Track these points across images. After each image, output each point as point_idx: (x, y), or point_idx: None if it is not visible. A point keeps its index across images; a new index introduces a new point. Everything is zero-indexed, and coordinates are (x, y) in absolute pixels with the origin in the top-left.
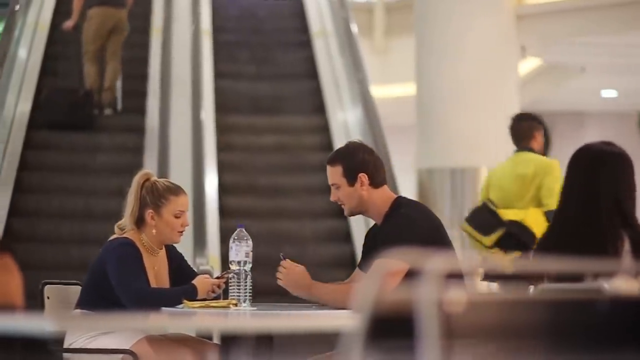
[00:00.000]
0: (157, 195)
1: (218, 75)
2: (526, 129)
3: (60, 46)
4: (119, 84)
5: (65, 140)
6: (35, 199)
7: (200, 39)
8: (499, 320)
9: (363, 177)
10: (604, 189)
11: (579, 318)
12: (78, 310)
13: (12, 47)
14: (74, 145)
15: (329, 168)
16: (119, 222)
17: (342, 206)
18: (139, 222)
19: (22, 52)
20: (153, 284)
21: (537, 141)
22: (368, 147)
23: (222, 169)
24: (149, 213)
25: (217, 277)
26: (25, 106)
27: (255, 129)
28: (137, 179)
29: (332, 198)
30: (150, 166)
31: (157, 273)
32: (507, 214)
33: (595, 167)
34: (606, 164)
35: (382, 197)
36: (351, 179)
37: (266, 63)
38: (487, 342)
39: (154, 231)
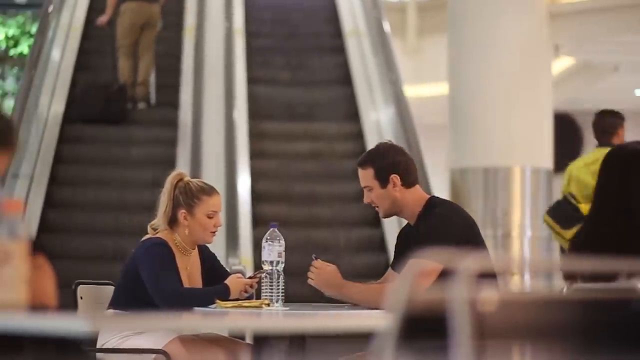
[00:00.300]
0: (190, 196)
1: (251, 80)
2: (609, 125)
3: (94, 42)
4: (152, 78)
5: (99, 133)
6: (71, 191)
7: (233, 38)
8: (531, 320)
9: (395, 178)
10: (635, 189)
11: (612, 318)
12: (111, 310)
13: (46, 46)
14: (108, 139)
15: (360, 171)
16: (152, 222)
17: (377, 208)
18: (172, 222)
19: (55, 50)
20: (186, 284)
21: (619, 137)
22: (399, 148)
23: (255, 176)
24: (181, 213)
25: (250, 277)
26: (59, 102)
27: (289, 135)
28: (170, 179)
29: (366, 200)
30: (183, 159)
31: (190, 273)
32: (588, 209)
33: (628, 166)
34: (625, 162)
35: (414, 197)
36: (383, 180)
37: (301, 68)
38: (520, 341)
39: (186, 231)
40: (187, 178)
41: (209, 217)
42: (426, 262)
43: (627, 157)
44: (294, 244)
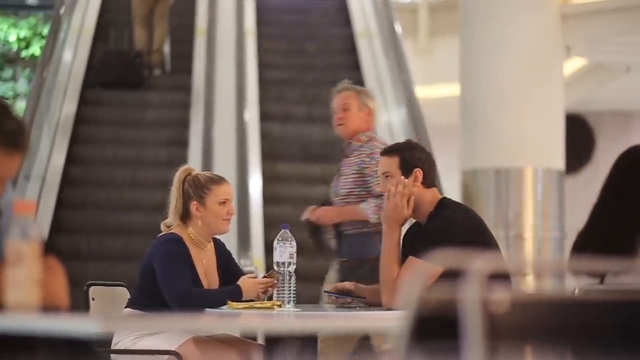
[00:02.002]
0: (199, 187)
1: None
2: None
3: (112, 14)
4: (167, 47)
5: (117, 97)
6: (91, 149)
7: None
8: (543, 321)
9: (418, 172)
10: (635, 191)
11: (624, 319)
12: (128, 309)
13: (58, 47)
14: (125, 102)
15: (384, 158)
16: (165, 221)
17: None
18: (184, 216)
19: (67, 52)
20: (202, 277)
21: None
22: (426, 149)
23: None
24: (193, 205)
25: (264, 277)
26: (79, 66)
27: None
28: (178, 175)
29: (381, 189)
30: (196, 120)
31: (206, 267)
32: None
33: (631, 166)
34: None
35: (430, 198)
36: (406, 171)
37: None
38: (531, 342)
39: (200, 222)
40: (195, 172)
41: (221, 205)
42: (426, 263)
43: (633, 157)
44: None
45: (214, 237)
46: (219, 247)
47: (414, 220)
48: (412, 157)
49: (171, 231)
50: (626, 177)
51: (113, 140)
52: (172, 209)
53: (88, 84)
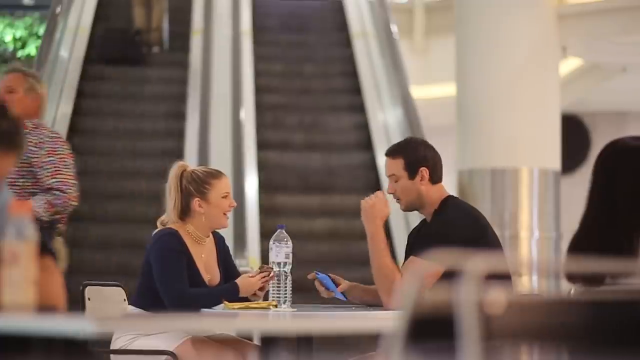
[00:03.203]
0: (200, 183)
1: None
2: None
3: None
4: (165, 25)
5: (118, 73)
6: (92, 120)
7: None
8: (540, 321)
9: (424, 171)
10: (621, 184)
11: (620, 319)
12: (130, 307)
13: (53, 47)
14: (125, 77)
15: (389, 160)
16: (161, 218)
17: (398, 201)
18: (184, 213)
19: (63, 52)
20: (202, 272)
21: None
22: (429, 144)
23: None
24: (196, 202)
25: (259, 271)
26: (81, 44)
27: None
28: (174, 172)
29: (389, 191)
30: (193, 95)
31: (206, 262)
32: None
33: (615, 161)
34: (628, 158)
35: (436, 195)
36: (412, 172)
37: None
38: (528, 343)
39: (203, 218)
40: (190, 167)
41: (224, 198)
42: (427, 263)
43: (615, 151)
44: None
45: (214, 232)
46: (219, 242)
47: (415, 222)
48: (417, 156)
49: (170, 226)
50: (610, 177)
51: (114, 112)
52: (170, 206)
53: (90, 59)
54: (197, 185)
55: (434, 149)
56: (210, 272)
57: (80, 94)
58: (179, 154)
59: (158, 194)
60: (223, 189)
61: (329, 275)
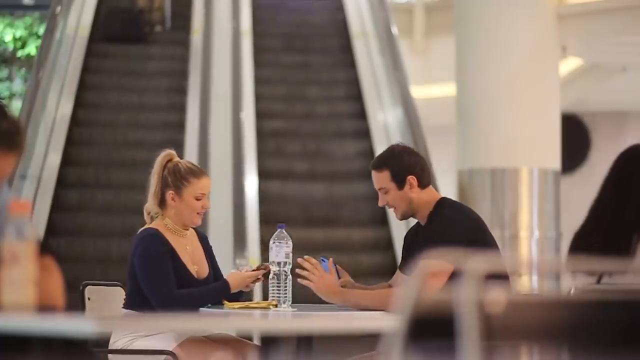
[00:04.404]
0: (178, 177)
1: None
2: None
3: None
4: (167, 5)
5: (121, 51)
6: (96, 95)
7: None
8: (540, 321)
9: (412, 179)
10: (634, 188)
11: (620, 319)
12: (124, 310)
13: (53, 47)
14: (129, 55)
15: (375, 173)
16: (146, 206)
17: (393, 210)
18: (162, 203)
19: (63, 51)
20: (190, 265)
21: None
22: (412, 149)
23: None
24: (169, 194)
25: (256, 269)
26: (86, 20)
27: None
28: (159, 160)
29: (381, 203)
30: (194, 72)
31: (192, 253)
32: None
33: (632, 166)
34: None
35: (428, 198)
36: (400, 182)
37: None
38: (528, 343)
39: (173, 212)
40: (177, 159)
41: (197, 200)
42: (436, 263)
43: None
44: None
45: (197, 231)
46: (203, 240)
47: (415, 221)
48: (402, 166)
49: (149, 226)
50: (626, 177)
51: (117, 87)
52: (151, 193)
53: (94, 37)
54: (175, 179)
55: (418, 154)
56: (197, 263)
57: (85, 70)
58: (180, 126)
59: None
60: (199, 190)
61: (336, 266)
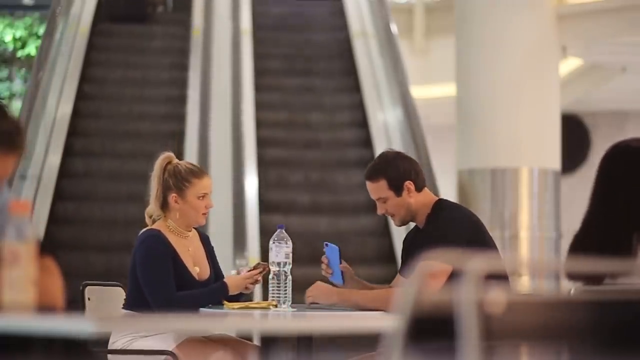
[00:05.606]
0: (180, 179)
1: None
2: None
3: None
4: None
5: (125, 30)
6: (102, 71)
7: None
8: (540, 321)
9: (409, 184)
10: (623, 186)
11: (620, 319)
12: (123, 311)
13: (53, 47)
14: (132, 33)
15: (370, 184)
16: (147, 209)
17: (392, 217)
18: (164, 206)
19: (63, 51)
20: (191, 267)
21: None
22: (403, 154)
23: None
24: (172, 197)
25: (253, 268)
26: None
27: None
28: (159, 162)
29: (380, 212)
30: (195, 50)
31: (194, 254)
32: None
33: (618, 163)
34: (632, 161)
35: (425, 201)
36: (398, 189)
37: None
38: (527, 343)
39: (177, 215)
40: (176, 160)
41: (200, 199)
42: (436, 263)
43: (618, 153)
44: None
45: (199, 231)
46: (205, 240)
47: (413, 224)
48: (398, 173)
49: (151, 227)
50: (615, 176)
51: (122, 64)
52: (152, 197)
53: (99, 17)
54: (177, 181)
55: (409, 157)
56: (198, 264)
57: (90, 48)
58: (181, 100)
59: (161, 134)
60: (202, 189)
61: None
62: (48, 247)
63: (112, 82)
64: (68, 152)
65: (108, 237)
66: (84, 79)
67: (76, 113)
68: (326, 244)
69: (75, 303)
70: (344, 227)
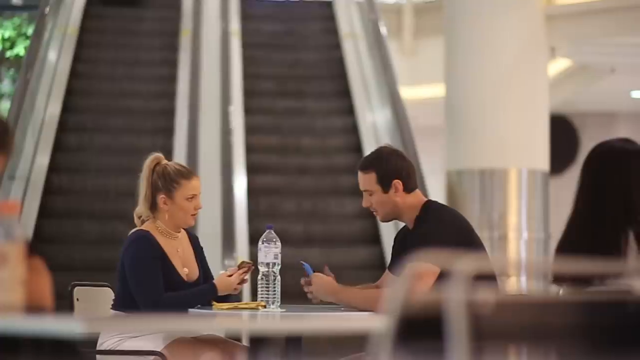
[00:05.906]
0: (168, 180)
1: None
2: None
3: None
4: None
5: (116, 13)
6: (95, 51)
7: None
8: (528, 322)
9: (397, 183)
10: (610, 186)
11: (608, 319)
12: (111, 311)
13: (42, 48)
14: (124, 16)
15: (361, 175)
16: (136, 210)
17: (375, 213)
18: (153, 207)
19: (52, 52)
20: (180, 269)
21: None
22: (400, 152)
23: None
24: (161, 198)
25: (238, 268)
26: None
27: None
28: (147, 164)
29: (365, 204)
30: (186, 31)
31: (183, 255)
32: None
33: (601, 163)
34: (616, 161)
35: (414, 202)
36: (386, 185)
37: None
38: (516, 343)
39: (166, 216)
40: (165, 161)
41: (189, 200)
42: (424, 264)
43: (604, 153)
44: None
45: (188, 232)
46: (194, 241)
47: (402, 224)
48: (388, 169)
49: (140, 228)
50: (597, 178)
51: (114, 45)
52: (141, 198)
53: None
54: (165, 182)
55: (405, 157)
56: (187, 265)
57: (82, 30)
58: (171, 78)
59: (152, 111)
60: (190, 191)
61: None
62: (36, 246)
63: (104, 62)
64: (62, 127)
65: (101, 206)
66: (76, 59)
67: (69, 91)
68: (303, 264)
69: (67, 265)
70: (338, 259)
